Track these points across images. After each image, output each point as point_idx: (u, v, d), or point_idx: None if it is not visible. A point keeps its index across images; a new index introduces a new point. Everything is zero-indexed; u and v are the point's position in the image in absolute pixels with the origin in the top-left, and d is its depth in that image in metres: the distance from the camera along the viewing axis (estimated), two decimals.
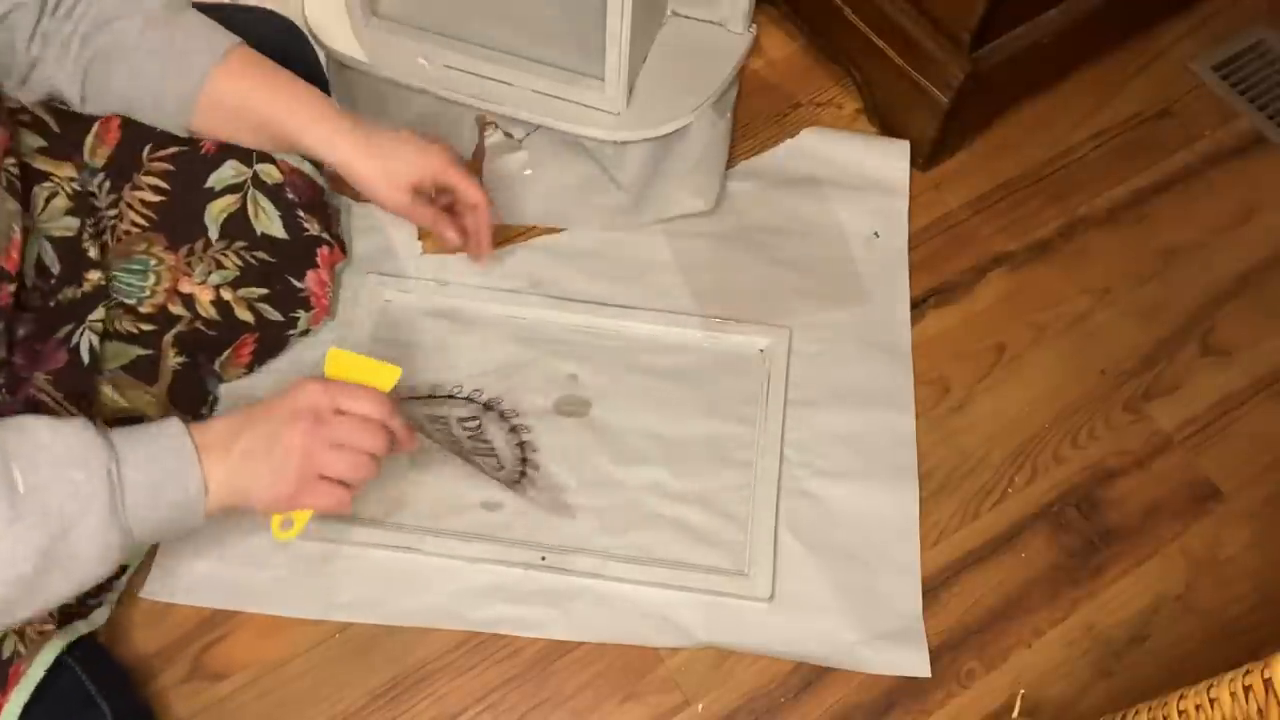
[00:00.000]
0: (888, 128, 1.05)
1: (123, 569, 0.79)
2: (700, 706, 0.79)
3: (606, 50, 0.88)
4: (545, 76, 0.93)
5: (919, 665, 0.80)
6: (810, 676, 0.80)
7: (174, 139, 0.80)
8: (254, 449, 0.65)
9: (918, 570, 0.84)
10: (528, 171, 1.01)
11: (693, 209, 0.98)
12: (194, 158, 0.80)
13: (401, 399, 0.86)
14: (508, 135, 1.03)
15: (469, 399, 0.89)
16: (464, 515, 0.84)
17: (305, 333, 0.89)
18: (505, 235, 0.98)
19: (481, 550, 0.82)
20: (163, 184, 0.80)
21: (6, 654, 0.67)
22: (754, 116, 1.06)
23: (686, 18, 1.00)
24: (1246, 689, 0.50)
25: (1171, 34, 1.13)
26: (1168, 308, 0.98)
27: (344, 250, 0.90)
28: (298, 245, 0.85)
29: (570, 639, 0.80)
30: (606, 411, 0.89)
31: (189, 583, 0.81)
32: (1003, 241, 1.01)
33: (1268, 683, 0.49)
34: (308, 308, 0.87)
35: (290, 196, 0.84)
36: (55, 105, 0.76)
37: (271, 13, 0.89)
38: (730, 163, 1.02)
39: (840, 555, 0.84)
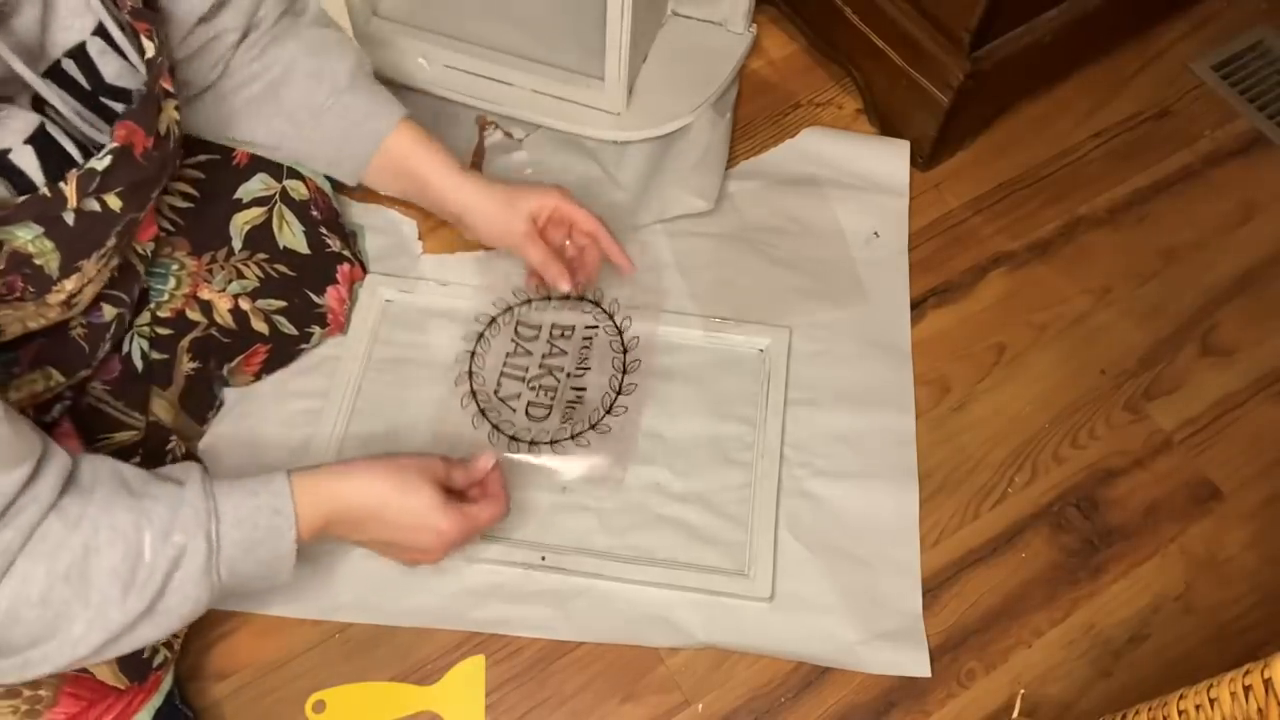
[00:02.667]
0: (888, 128, 1.05)
1: None
2: (700, 706, 0.79)
3: (607, 50, 0.88)
4: (545, 76, 0.93)
5: (919, 665, 0.80)
6: (810, 676, 0.80)
7: (206, 146, 0.82)
8: (378, 540, 0.72)
9: (918, 570, 0.84)
10: (528, 171, 1.01)
11: (693, 209, 0.98)
12: (226, 167, 0.82)
13: (532, 299, 0.90)
14: (508, 135, 1.03)
15: (596, 303, 0.89)
16: None
17: (316, 346, 0.90)
18: None
19: (481, 550, 0.82)
20: (192, 190, 0.82)
21: (150, 658, 0.69)
22: (754, 116, 1.06)
23: (687, 18, 1.00)
24: (1246, 689, 0.50)
25: (1171, 34, 1.13)
26: (1168, 308, 0.98)
27: (364, 268, 0.92)
28: (320, 261, 0.87)
29: (570, 639, 0.80)
30: None
31: None
32: (1003, 241, 1.01)
33: (1268, 683, 0.49)
34: (324, 324, 0.88)
35: (314, 214, 0.86)
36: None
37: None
38: (730, 162, 1.02)
39: (840, 555, 0.84)
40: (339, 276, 0.88)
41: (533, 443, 0.84)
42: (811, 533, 0.85)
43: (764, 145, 1.04)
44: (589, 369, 0.86)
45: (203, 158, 0.82)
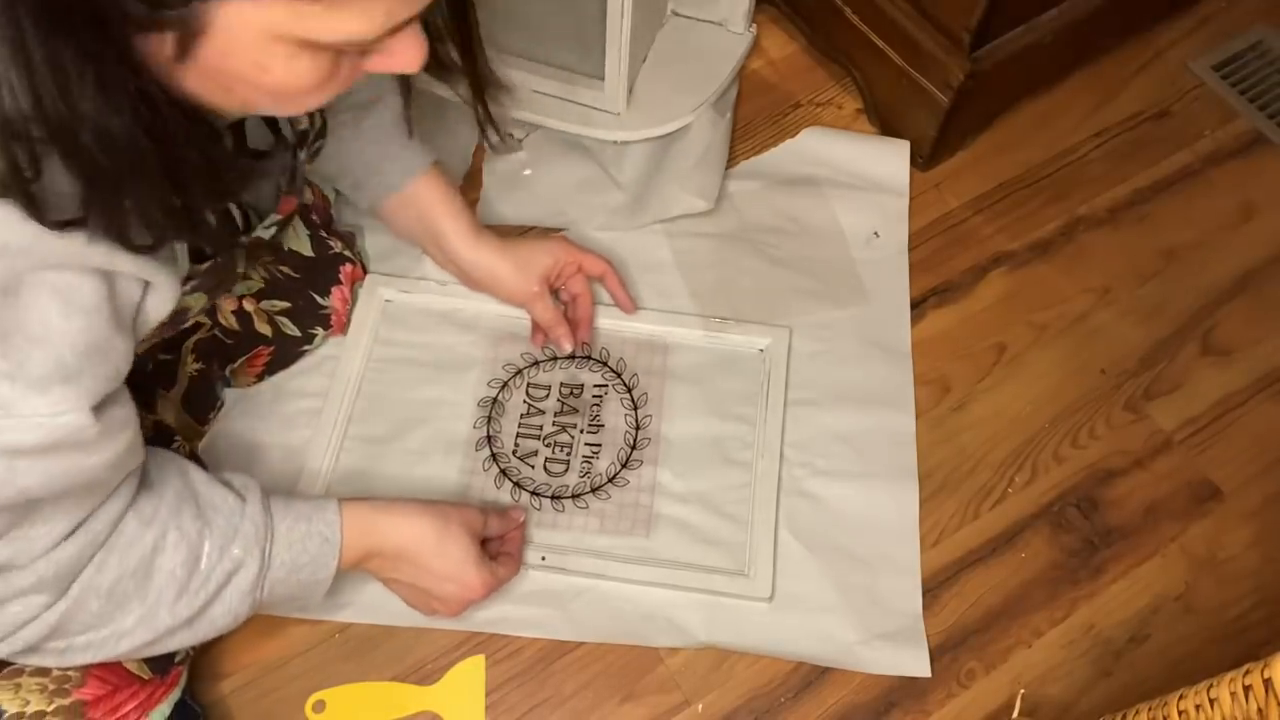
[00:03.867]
0: (888, 127, 1.05)
1: None
2: (700, 706, 0.79)
3: (607, 50, 0.88)
4: (545, 76, 0.93)
5: (919, 665, 0.80)
6: (810, 676, 0.80)
7: None
8: (406, 582, 0.73)
9: (918, 570, 0.84)
10: (527, 171, 1.01)
11: (693, 209, 0.98)
12: None
13: (540, 361, 0.90)
14: (508, 135, 1.03)
15: (603, 363, 0.90)
16: None
17: (319, 346, 0.90)
18: (505, 236, 0.98)
19: None
20: None
21: (173, 653, 0.70)
22: (754, 116, 1.06)
23: (686, 18, 1.00)
24: (1246, 689, 0.50)
25: (1171, 34, 1.13)
26: (1168, 307, 0.98)
27: (364, 268, 0.92)
28: (323, 263, 0.87)
29: (570, 639, 0.80)
30: (607, 412, 0.89)
31: None
32: (1003, 241, 1.01)
33: (1268, 682, 0.49)
34: (327, 325, 0.88)
35: (314, 218, 0.87)
36: None
37: None
38: (730, 162, 1.02)
39: (840, 555, 0.84)
40: (342, 277, 0.89)
41: (554, 497, 0.85)
42: (811, 533, 0.84)
43: (764, 145, 1.04)
44: (602, 425, 0.87)
45: None
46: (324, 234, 0.88)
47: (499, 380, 0.89)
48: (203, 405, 0.84)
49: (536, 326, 0.90)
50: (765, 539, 0.83)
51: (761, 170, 1.03)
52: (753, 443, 0.88)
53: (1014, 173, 1.05)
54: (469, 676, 0.78)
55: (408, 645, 0.80)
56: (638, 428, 0.87)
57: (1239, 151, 1.07)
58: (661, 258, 0.97)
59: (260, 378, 0.88)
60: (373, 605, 0.80)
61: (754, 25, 1.01)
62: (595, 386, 0.89)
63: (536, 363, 0.90)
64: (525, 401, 0.88)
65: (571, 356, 0.90)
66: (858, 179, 1.02)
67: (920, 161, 1.03)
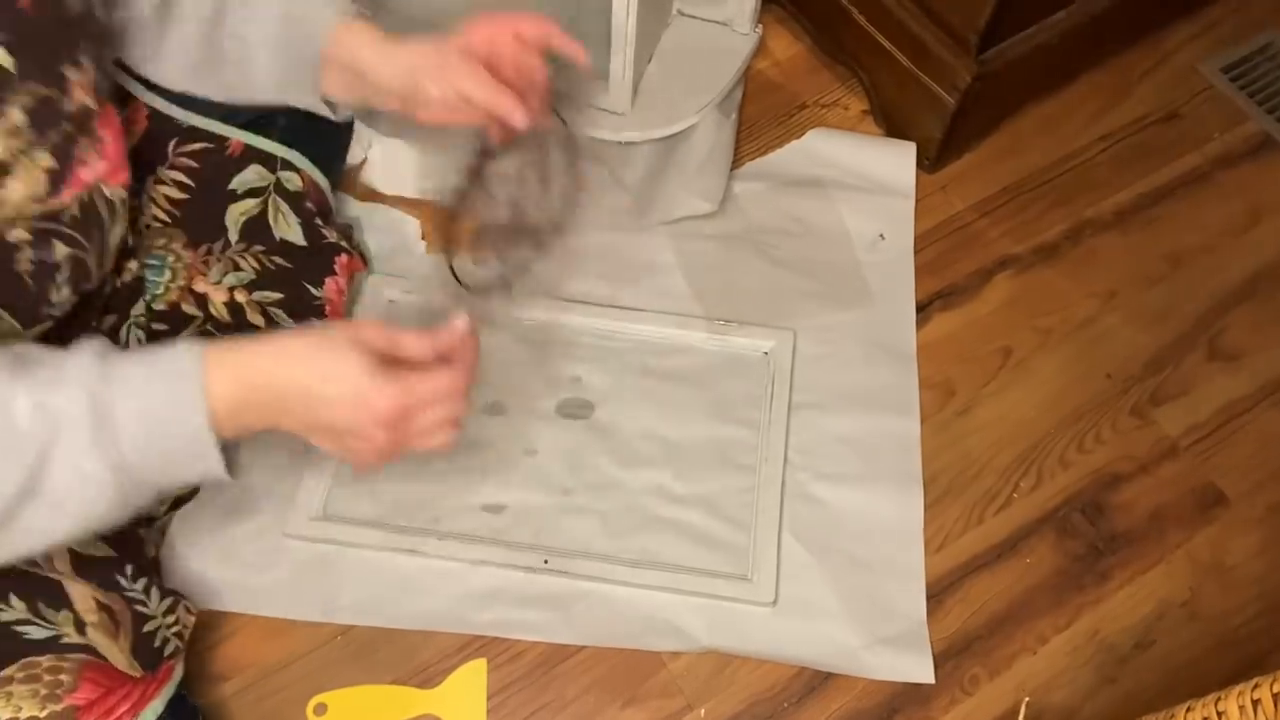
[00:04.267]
0: (894, 129, 1.05)
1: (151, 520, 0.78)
2: (703, 711, 0.79)
3: (612, 50, 0.88)
4: (549, 76, 0.92)
5: (923, 671, 0.80)
6: (813, 682, 0.80)
7: (201, 135, 0.80)
8: (307, 423, 0.59)
9: (922, 575, 0.83)
10: None
11: (698, 210, 0.97)
12: (219, 158, 0.81)
13: (493, 150, 0.74)
14: None
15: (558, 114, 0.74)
16: (466, 518, 0.84)
17: None
18: None
19: (484, 553, 0.82)
20: (187, 180, 0.80)
21: (161, 647, 0.68)
22: (759, 117, 1.06)
23: (692, 18, 1.00)
24: (1255, 703, 0.50)
25: (1179, 36, 1.13)
26: (1175, 312, 0.97)
27: (365, 261, 0.91)
28: (317, 253, 0.86)
29: (572, 643, 0.80)
30: (610, 414, 0.89)
31: (191, 585, 0.80)
32: (1009, 244, 1.00)
33: (1276, 697, 0.49)
34: (322, 315, 0.86)
35: (308, 205, 0.85)
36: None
37: None
38: (736, 164, 1.02)
39: (844, 560, 0.83)
40: (337, 268, 0.87)
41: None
42: (815, 537, 0.84)
43: (769, 146, 1.04)
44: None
45: (196, 146, 0.80)
46: (318, 222, 0.86)
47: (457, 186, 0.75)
48: None
49: (485, 114, 0.71)
50: (769, 543, 0.83)
51: (767, 171, 1.02)
52: (756, 446, 0.87)
53: (1020, 175, 1.04)
54: (471, 680, 0.78)
55: (409, 648, 0.80)
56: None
57: (1248, 154, 1.06)
58: (666, 259, 0.96)
59: None
60: (375, 608, 0.80)
61: (760, 26, 1.00)
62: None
63: (489, 152, 0.74)
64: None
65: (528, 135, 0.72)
66: (863, 181, 1.02)
67: (926, 164, 1.03)
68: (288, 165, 0.84)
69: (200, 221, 0.81)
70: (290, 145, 0.84)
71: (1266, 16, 1.15)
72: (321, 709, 0.77)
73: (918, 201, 1.01)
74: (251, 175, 0.82)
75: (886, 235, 0.99)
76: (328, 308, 0.87)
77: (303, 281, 0.85)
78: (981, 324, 0.96)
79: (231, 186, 0.82)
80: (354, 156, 1.01)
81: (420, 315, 0.92)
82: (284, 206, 0.83)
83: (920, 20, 0.96)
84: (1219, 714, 0.51)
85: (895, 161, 1.03)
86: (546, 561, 0.82)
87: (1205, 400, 0.93)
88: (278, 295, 0.84)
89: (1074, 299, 0.97)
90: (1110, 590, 0.84)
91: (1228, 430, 0.91)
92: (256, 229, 0.83)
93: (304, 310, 0.85)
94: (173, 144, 0.79)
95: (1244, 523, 0.87)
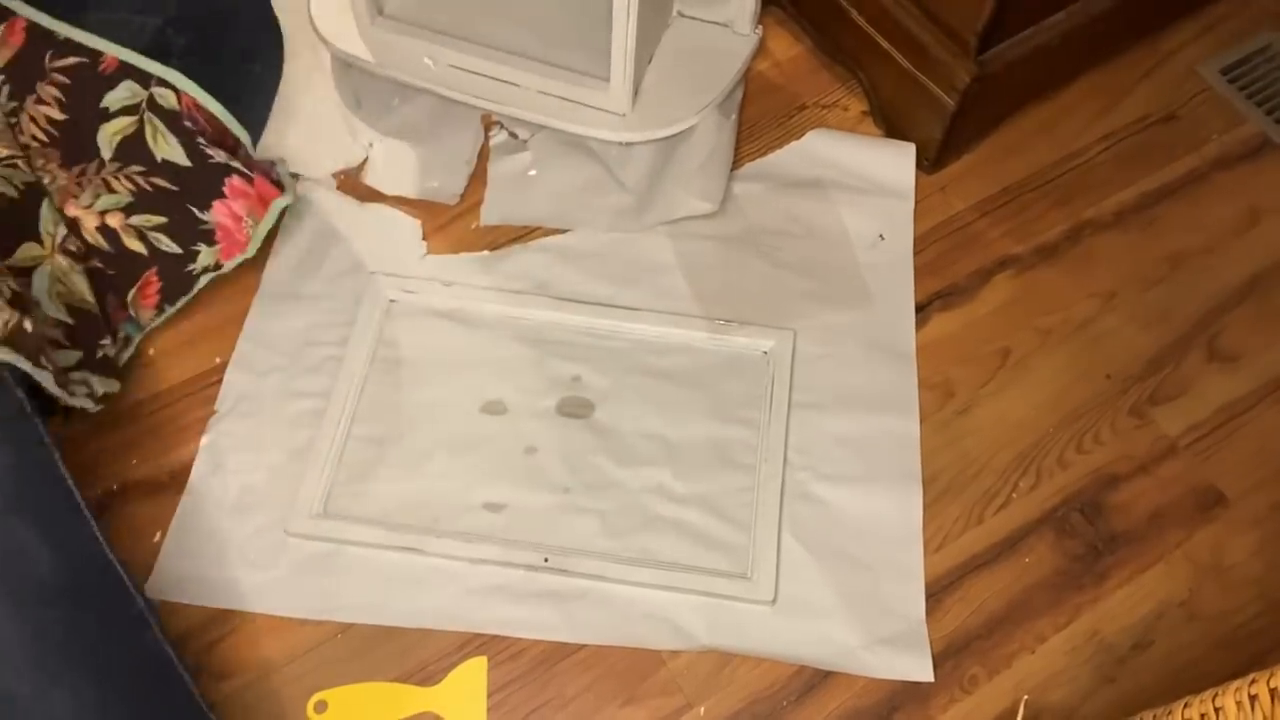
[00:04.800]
0: (893, 130, 1.05)
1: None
2: (702, 710, 0.79)
3: (612, 51, 0.88)
4: (551, 77, 0.93)
5: (922, 670, 0.80)
6: (812, 680, 0.80)
7: (75, 49, 0.78)
8: None
9: (921, 575, 0.83)
10: (532, 172, 1.01)
11: (698, 211, 0.98)
12: (91, 74, 0.79)
13: None
14: (513, 135, 1.03)
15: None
16: (466, 516, 0.84)
17: (216, 269, 0.85)
18: (510, 236, 0.98)
19: (484, 551, 0.82)
20: (62, 98, 0.78)
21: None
22: (759, 118, 1.06)
23: (693, 19, 1.00)
24: (1252, 698, 0.50)
25: (1179, 38, 1.13)
26: (1174, 312, 0.97)
27: (279, 187, 0.86)
28: (203, 174, 0.82)
29: (572, 641, 0.80)
30: (609, 413, 0.89)
31: (191, 583, 0.81)
32: (1008, 245, 1.00)
33: (1274, 692, 0.49)
34: (211, 242, 0.83)
35: (188, 125, 0.81)
36: None
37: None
38: (735, 164, 1.02)
39: (843, 559, 0.84)
40: (227, 190, 0.83)
41: None
42: (814, 536, 0.84)
43: (769, 147, 1.04)
44: None
45: (70, 60, 0.78)
46: (200, 142, 0.82)
47: None
48: (90, 335, 0.80)
49: None
50: (768, 542, 0.83)
51: (767, 172, 1.03)
52: (756, 445, 0.88)
53: (1020, 176, 1.04)
54: (471, 678, 0.78)
55: (410, 646, 0.80)
56: None
57: (1246, 156, 1.06)
58: (666, 259, 0.97)
59: (160, 309, 0.84)
60: (375, 606, 0.80)
61: (760, 27, 1.01)
62: None
63: None
64: None
65: None
66: (863, 182, 1.02)
67: (926, 164, 1.03)
68: (162, 82, 0.81)
69: (74, 141, 0.79)
70: (185, 71, 0.82)
71: (1264, 18, 1.15)
72: (322, 706, 0.77)
73: (917, 202, 1.01)
74: (124, 92, 0.80)
75: (886, 236, 0.99)
76: (218, 233, 0.83)
77: (186, 204, 0.82)
78: (981, 324, 0.96)
79: (104, 104, 0.79)
80: (354, 156, 1.01)
81: (423, 314, 0.93)
82: (160, 125, 0.80)
83: (920, 21, 0.96)
84: (1216, 710, 0.52)
85: (895, 162, 1.03)
86: (546, 560, 0.82)
87: (1204, 400, 0.93)
88: (160, 219, 0.81)
89: (1073, 299, 0.98)
90: (1109, 590, 0.84)
91: (1227, 430, 0.91)
92: (133, 148, 0.80)
93: (189, 234, 0.82)
94: (49, 55, 0.77)
95: (1243, 523, 0.87)
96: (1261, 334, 0.96)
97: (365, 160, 1.01)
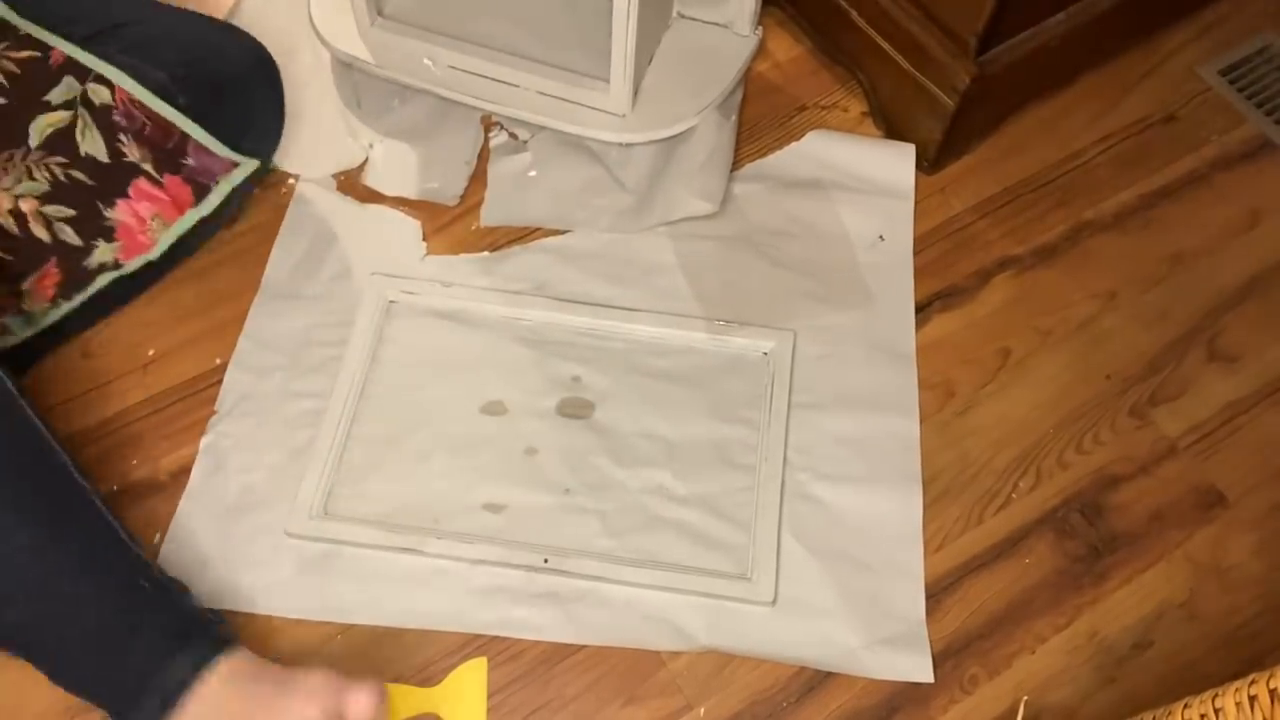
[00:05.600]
0: (893, 131, 1.05)
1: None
2: (702, 710, 0.79)
3: (612, 52, 0.88)
4: (551, 78, 0.93)
5: (922, 670, 0.80)
6: (813, 681, 0.80)
7: (32, 44, 0.80)
8: None
9: (921, 575, 0.83)
10: (532, 173, 1.01)
11: (698, 211, 0.98)
12: (41, 67, 0.80)
13: None
14: (512, 136, 1.03)
15: None
16: (466, 517, 0.84)
17: (115, 267, 0.86)
18: (510, 237, 0.98)
19: (484, 552, 0.82)
20: (6, 84, 0.80)
21: None
22: (759, 119, 1.06)
23: (692, 20, 1.00)
24: (1252, 699, 0.50)
25: (1178, 39, 1.13)
26: (1174, 313, 0.97)
27: (195, 197, 0.87)
28: (115, 171, 0.83)
29: (572, 642, 0.80)
30: (609, 414, 0.89)
31: (192, 584, 0.80)
32: (1008, 245, 1.00)
33: (1274, 693, 0.49)
34: (110, 239, 0.84)
35: (118, 120, 0.82)
36: None
37: (245, 36, 0.92)
38: (735, 165, 1.02)
39: (843, 560, 0.84)
40: (132, 192, 0.84)
41: None
42: (815, 537, 0.84)
43: (769, 148, 1.04)
44: None
45: (24, 54, 0.80)
46: (121, 139, 0.83)
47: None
48: None
49: None
50: (768, 543, 0.83)
51: (766, 173, 1.03)
52: (756, 446, 0.88)
53: (1020, 177, 1.04)
54: (471, 679, 0.78)
55: (410, 646, 0.80)
56: None
57: (1246, 157, 1.06)
58: (666, 260, 0.97)
59: (55, 303, 0.84)
60: (375, 606, 0.80)
61: (760, 28, 1.01)
62: None
63: None
64: None
65: None
66: (863, 182, 1.02)
67: (926, 165, 1.03)
68: (102, 79, 0.82)
69: (7, 127, 0.80)
70: (123, 66, 0.83)
71: (1264, 19, 1.15)
72: None
73: (917, 203, 1.02)
74: (63, 89, 0.81)
75: (886, 236, 0.99)
76: (118, 230, 0.84)
77: (96, 200, 0.83)
78: (981, 325, 0.96)
79: (47, 98, 0.81)
80: (354, 157, 1.01)
81: (423, 315, 0.93)
82: (89, 119, 0.81)
83: (920, 22, 0.96)
84: (1216, 710, 0.52)
85: (894, 163, 1.03)
86: (546, 561, 0.82)
87: (1204, 401, 0.93)
88: (70, 211, 0.82)
89: (1073, 300, 0.98)
90: (1109, 590, 0.84)
91: (1227, 431, 0.92)
92: (61, 141, 0.81)
93: (90, 229, 0.83)
94: (3, 46, 0.79)
95: (1243, 523, 0.87)
96: (1261, 334, 0.96)
97: (365, 161, 1.01)
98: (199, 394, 0.89)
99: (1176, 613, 0.84)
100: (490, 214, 0.99)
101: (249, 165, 0.91)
